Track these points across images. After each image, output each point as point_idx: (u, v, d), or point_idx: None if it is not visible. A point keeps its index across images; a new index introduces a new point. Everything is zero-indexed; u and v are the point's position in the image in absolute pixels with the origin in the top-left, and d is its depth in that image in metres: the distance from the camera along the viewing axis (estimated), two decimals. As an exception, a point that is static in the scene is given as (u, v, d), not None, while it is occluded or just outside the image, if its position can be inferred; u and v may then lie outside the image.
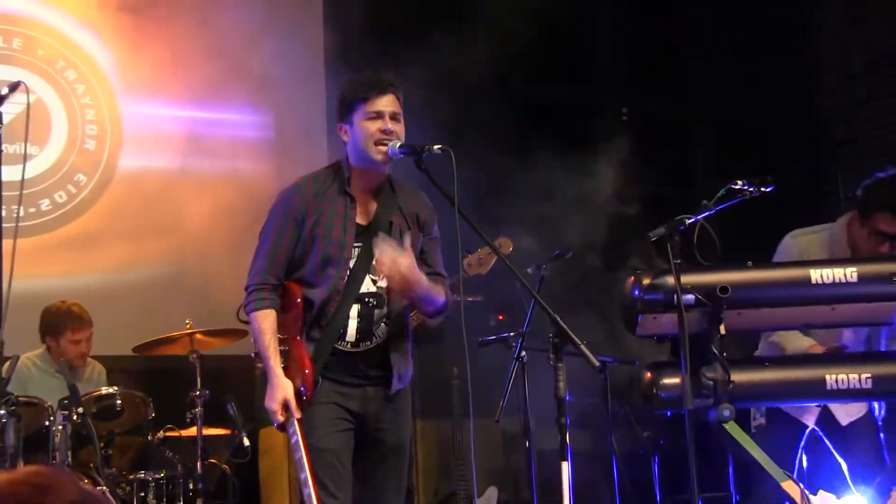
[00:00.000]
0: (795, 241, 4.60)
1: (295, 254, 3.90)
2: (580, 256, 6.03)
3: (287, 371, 3.81)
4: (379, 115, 3.83)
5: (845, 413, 4.43)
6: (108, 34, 7.10)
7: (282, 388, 3.76)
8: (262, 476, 6.65)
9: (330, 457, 3.80)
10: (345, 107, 3.92)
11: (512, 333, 5.73)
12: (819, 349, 4.38)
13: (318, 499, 3.66)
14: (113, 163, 7.10)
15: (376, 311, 3.88)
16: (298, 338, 3.85)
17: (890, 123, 6.93)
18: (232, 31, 7.23)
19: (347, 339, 3.85)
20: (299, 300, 3.87)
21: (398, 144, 3.82)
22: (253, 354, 4.09)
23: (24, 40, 6.94)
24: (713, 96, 7.39)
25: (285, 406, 3.75)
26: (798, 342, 4.41)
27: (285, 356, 3.84)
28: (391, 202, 3.96)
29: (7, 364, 4.38)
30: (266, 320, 3.86)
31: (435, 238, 4.08)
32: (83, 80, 7.05)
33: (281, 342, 3.86)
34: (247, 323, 4.04)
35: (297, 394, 3.77)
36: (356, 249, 3.87)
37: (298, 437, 3.72)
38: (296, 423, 3.74)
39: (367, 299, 3.87)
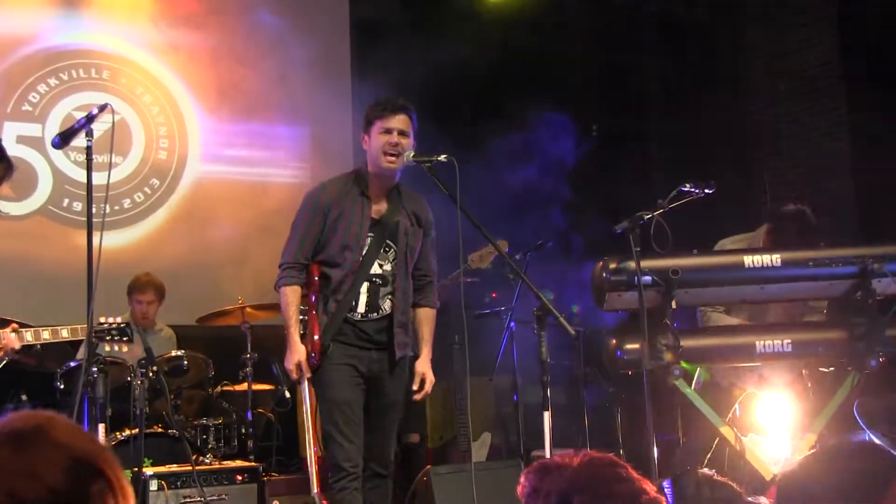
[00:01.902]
0: (723, 248, 4.59)
1: (320, 240, 3.97)
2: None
3: (303, 338, 3.90)
4: (389, 131, 3.90)
5: (781, 382, 4.43)
6: (176, 66, 7.12)
7: (297, 353, 3.86)
8: (300, 423, 6.65)
9: (346, 408, 3.87)
10: (366, 121, 4.01)
11: (503, 308, 5.75)
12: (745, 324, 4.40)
13: (316, 441, 3.77)
14: (180, 170, 7.12)
15: (382, 289, 3.97)
16: (314, 312, 3.93)
17: (806, 139, 6.93)
18: (273, 59, 7.25)
19: (358, 310, 3.94)
20: (317, 278, 3.96)
21: (411, 154, 3.88)
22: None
23: (111, 72, 6.96)
24: (666, 115, 7.39)
25: (298, 366, 3.85)
26: (724, 321, 4.42)
27: (305, 326, 3.93)
28: (398, 203, 4.04)
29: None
30: (292, 295, 3.94)
31: (432, 241, 4.15)
32: (157, 103, 7.07)
33: (302, 313, 3.96)
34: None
35: (308, 357, 3.86)
36: (369, 238, 3.96)
37: (307, 392, 3.87)
38: (306, 381, 3.87)
39: (374, 279, 3.95)
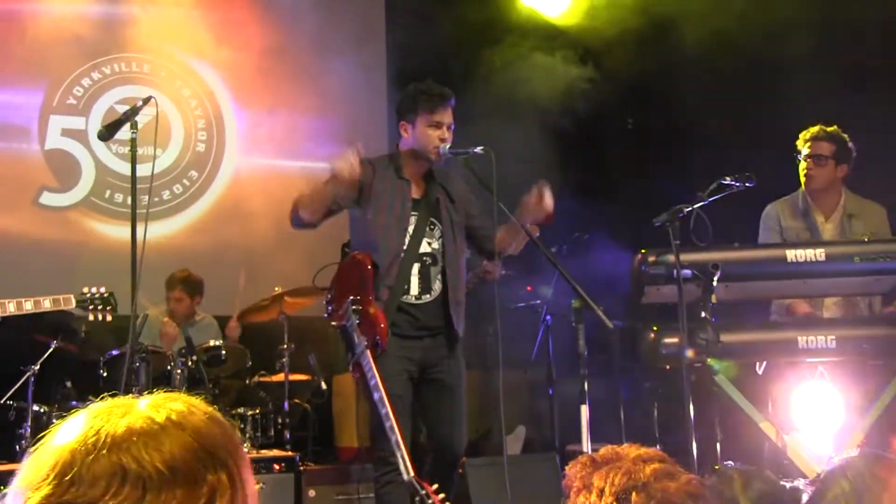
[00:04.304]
0: (774, 207, 4.60)
1: (360, 222, 3.92)
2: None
3: (361, 327, 3.69)
4: (439, 126, 3.88)
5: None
6: (213, 59, 7.13)
7: (337, 157, 3.70)
8: (336, 413, 6.66)
9: (396, 401, 3.72)
10: (409, 109, 3.94)
11: (538, 301, 5.70)
12: (799, 304, 4.32)
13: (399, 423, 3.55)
14: (218, 161, 7.14)
15: (432, 269, 3.91)
16: (371, 297, 3.81)
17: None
18: (309, 51, 7.25)
19: (412, 293, 3.87)
20: (370, 267, 3.84)
21: (447, 147, 3.87)
22: (326, 315, 4.00)
23: (152, 66, 7.00)
24: (703, 111, 7.28)
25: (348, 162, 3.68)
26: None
27: (360, 315, 3.73)
28: (435, 183, 4.02)
29: (139, 320, 4.46)
30: (301, 196, 3.90)
31: (475, 201, 4.10)
32: (195, 96, 7.10)
33: (354, 303, 3.74)
34: (322, 289, 4.04)
35: (374, 344, 3.70)
36: (413, 217, 3.91)
37: (378, 380, 3.59)
38: (374, 369, 3.61)
39: (424, 258, 3.90)
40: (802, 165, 4.44)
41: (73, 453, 0.97)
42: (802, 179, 4.51)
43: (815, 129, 4.49)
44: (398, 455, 3.42)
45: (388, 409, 3.52)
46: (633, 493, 1.32)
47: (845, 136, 4.50)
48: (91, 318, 4.33)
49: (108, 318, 4.34)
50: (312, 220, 3.96)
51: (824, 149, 4.43)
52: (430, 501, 3.24)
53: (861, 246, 3.76)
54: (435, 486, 3.34)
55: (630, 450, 1.47)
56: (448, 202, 4.01)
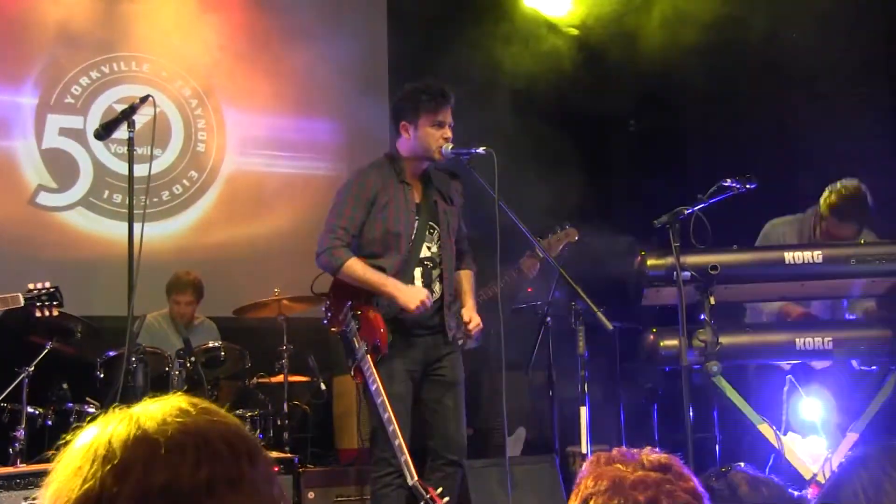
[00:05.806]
0: (773, 228, 4.59)
1: (366, 231, 3.94)
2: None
3: (361, 331, 3.78)
4: (442, 125, 3.91)
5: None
6: (215, 59, 7.17)
7: (410, 291, 3.80)
8: (336, 415, 6.70)
9: (398, 403, 3.79)
10: (410, 110, 3.94)
11: (539, 302, 5.74)
12: (791, 307, 4.37)
13: (402, 432, 3.62)
14: (218, 162, 7.17)
15: (433, 272, 3.97)
16: (370, 302, 3.88)
17: (846, 137, 6.80)
18: (311, 54, 7.28)
19: None
20: None
21: (450, 147, 3.89)
22: (325, 322, 4.04)
23: (151, 65, 7.03)
24: (703, 111, 7.33)
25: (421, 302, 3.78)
26: (771, 304, 4.39)
27: (359, 320, 3.81)
28: (430, 185, 4.06)
29: (137, 322, 4.49)
30: (356, 265, 3.86)
31: (461, 209, 4.17)
32: (196, 96, 7.13)
33: (353, 308, 3.83)
34: (320, 294, 4.05)
35: (375, 348, 3.77)
36: (416, 223, 3.97)
37: (378, 384, 3.65)
38: (375, 374, 3.67)
39: (425, 262, 3.96)
40: (821, 226, 4.34)
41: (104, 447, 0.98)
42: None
43: (834, 201, 4.31)
44: (401, 459, 3.47)
45: (389, 413, 3.58)
46: (591, 501, 1.32)
47: (865, 194, 4.32)
48: (38, 314, 4.33)
49: (55, 313, 4.35)
50: (343, 281, 3.98)
51: (846, 232, 4.30)
52: None
53: (857, 248, 3.81)
54: (439, 490, 3.39)
55: (642, 454, 1.42)
56: (445, 205, 4.06)
